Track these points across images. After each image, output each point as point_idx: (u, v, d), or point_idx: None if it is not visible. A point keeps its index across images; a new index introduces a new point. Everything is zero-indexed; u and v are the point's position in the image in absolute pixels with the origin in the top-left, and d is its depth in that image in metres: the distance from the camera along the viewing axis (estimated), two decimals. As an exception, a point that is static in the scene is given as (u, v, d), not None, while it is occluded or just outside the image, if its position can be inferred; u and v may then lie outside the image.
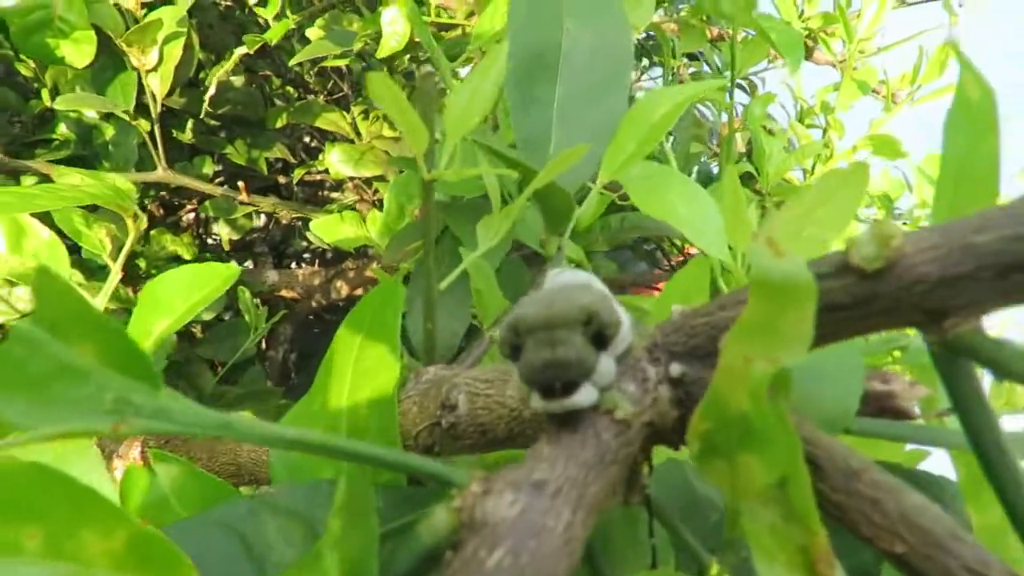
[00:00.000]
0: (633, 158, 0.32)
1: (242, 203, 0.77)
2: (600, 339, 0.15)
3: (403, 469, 0.14)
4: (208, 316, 0.72)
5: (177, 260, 0.82)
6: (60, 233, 0.36)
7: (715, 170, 0.83)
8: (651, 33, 0.80)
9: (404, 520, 0.20)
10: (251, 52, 0.67)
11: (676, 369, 0.17)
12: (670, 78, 0.73)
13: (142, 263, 0.82)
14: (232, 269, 0.35)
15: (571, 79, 0.37)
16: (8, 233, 0.34)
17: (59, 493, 0.15)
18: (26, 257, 0.35)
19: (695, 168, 0.81)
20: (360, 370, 0.28)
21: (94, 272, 0.53)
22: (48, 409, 0.12)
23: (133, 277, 0.81)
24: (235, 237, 0.87)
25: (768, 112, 0.73)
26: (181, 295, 0.35)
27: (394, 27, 0.49)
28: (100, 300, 0.37)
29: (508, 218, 0.26)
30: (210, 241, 0.92)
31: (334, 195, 1.09)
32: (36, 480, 0.14)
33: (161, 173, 0.62)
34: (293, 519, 0.21)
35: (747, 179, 0.67)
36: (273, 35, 0.66)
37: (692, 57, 0.91)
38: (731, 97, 0.69)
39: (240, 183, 0.78)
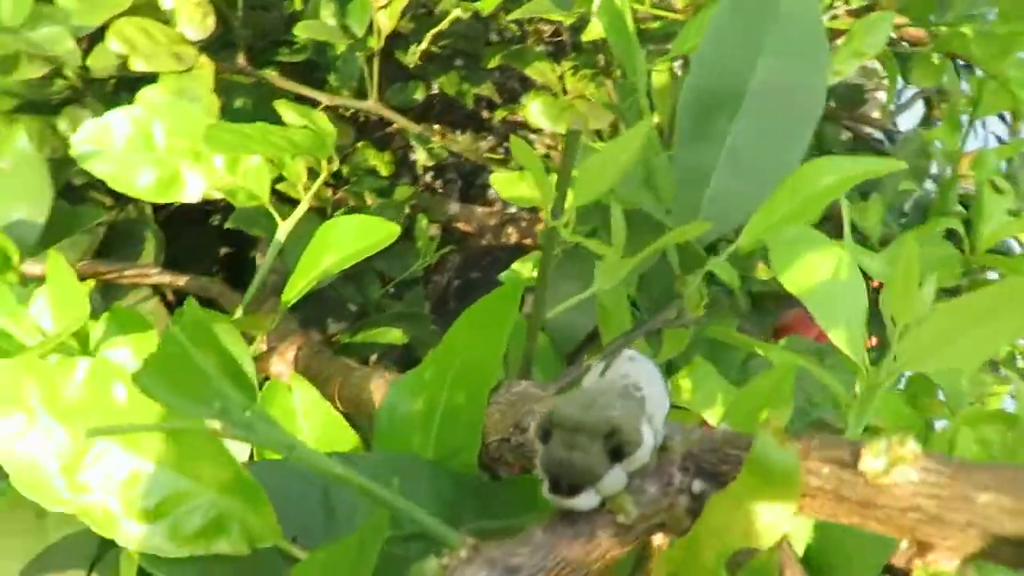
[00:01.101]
0: (777, 228, 0.32)
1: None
2: (617, 452, 0.17)
3: (415, 523, 0.17)
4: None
5: (373, 174, 0.89)
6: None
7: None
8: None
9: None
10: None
11: (698, 486, 0.18)
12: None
13: (345, 169, 0.90)
14: (393, 229, 0.39)
15: (751, 118, 0.37)
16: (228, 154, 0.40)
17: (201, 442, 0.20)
18: (238, 177, 0.42)
19: (905, 204, 0.75)
20: (466, 363, 0.31)
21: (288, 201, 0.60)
22: (184, 402, 0.16)
23: (337, 178, 0.91)
24: (430, 164, 0.93)
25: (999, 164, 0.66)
26: (349, 240, 0.40)
27: (601, 16, 0.50)
28: (285, 226, 0.43)
29: (626, 267, 0.27)
30: (409, 159, 0.99)
31: (532, 136, 1.13)
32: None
33: (371, 104, 0.69)
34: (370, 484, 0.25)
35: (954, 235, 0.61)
36: (486, 5, 0.69)
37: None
38: (963, 142, 0.63)
39: (436, 126, 0.83)
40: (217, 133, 0.34)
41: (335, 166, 0.43)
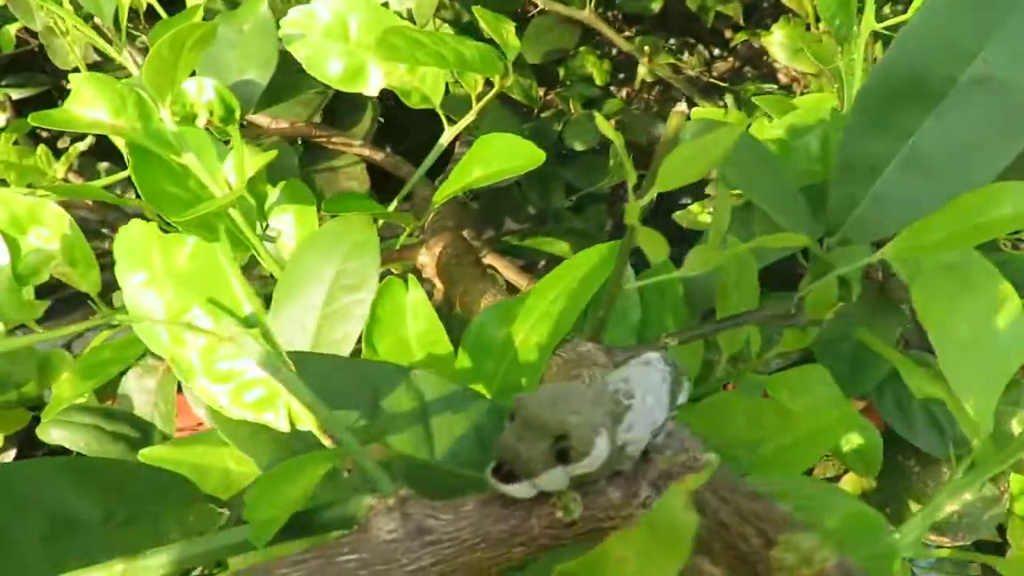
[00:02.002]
0: (934, 248, 0.28)
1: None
2: (564, 455, 0.17)
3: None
4: (580, 147, 0.79)
5: (587, 81, 0.88)
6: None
7: None
8: None
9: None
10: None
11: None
12: None
13: (562, 71, 0.90)
14: (538, 155, 0.40)
15: (950, 116, 0.32)
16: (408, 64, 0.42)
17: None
18: (415, 78, 0.44)
19: None
20: (550, 310, 0.32)
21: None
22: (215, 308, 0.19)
23: (552, 79, 0.91)
24: (649, 79, 0.90)
25: None
26: (496, 158, 0.41)
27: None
28: (450, 132, 0.45)
29: (718, 257, 0.26)
30: (622, 77, 0.96)
31: (778, 65, 1.04)
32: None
33: (586, 14, 0.67)
34: (416, 401, 0.27)
35: None
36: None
37: None
38: None
39: (646, 47, 0.79)
40: (390, 38, 0.36)
41: (509, 82, 0.44)
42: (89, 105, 0.38)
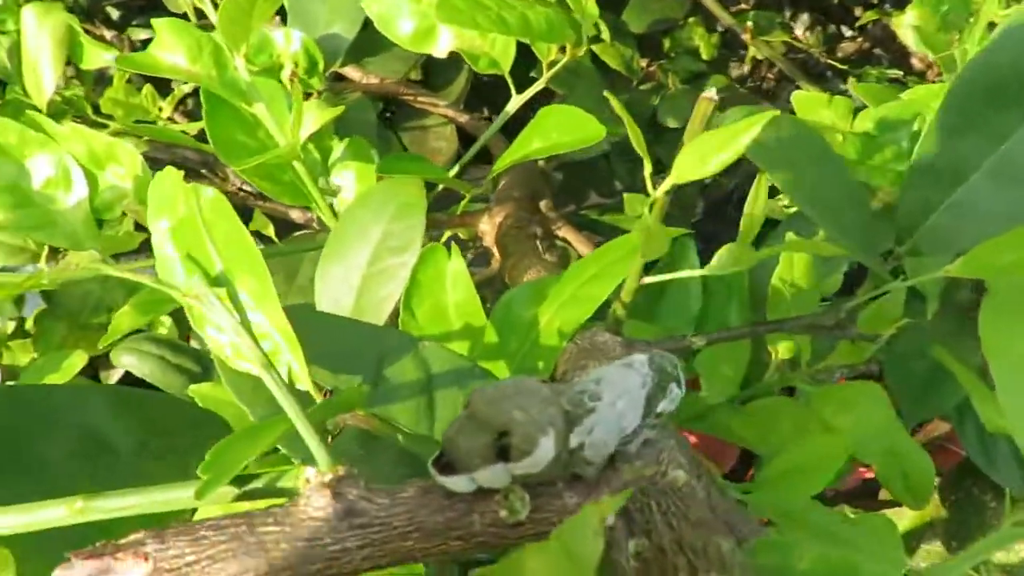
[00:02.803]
0: (1006, 271, 0.25)
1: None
2: (504, 452, 0.16)
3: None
4: (674, 124, 0.76)
5: (693, 55, 0.85)
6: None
7: None
8: None
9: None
10: None
11: (611, 520, 0.17)
12: None
13: (667, 43, 0.86)
14: (598, 130, 0.38)
15: (1057, 121, 0.28)
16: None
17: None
18: (486, 43, 0.43)
19: None
20: (575, 296, 0.31)
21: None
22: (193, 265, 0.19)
23: (656, 51, 0.87)
24: (760, 57, 0.85)
25: None
26: (555, 131, 0.40)
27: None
28: (517, 99, 0.44)
29: (750, 259, 0.24)
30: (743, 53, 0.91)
31: (913, 49, 0.96)
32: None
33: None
34: (422, 372, 0.27)
35: None
36: None
37: None
38: None
39: (749, 21, 0.74)
40: (451, 2, 0.35)
41: (582, 51, 0.42)
42: (169, 50, 0.40)
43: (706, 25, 0.85)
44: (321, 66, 0.52)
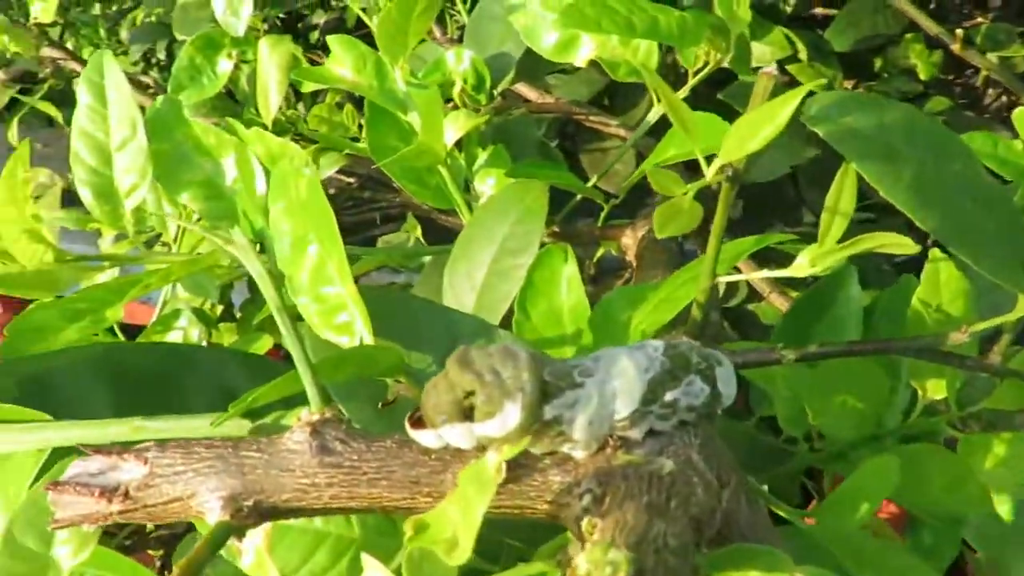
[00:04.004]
0: None
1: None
2: (469, 413, 0.16)
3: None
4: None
5: (909, 74, 0.77)
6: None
7: None
8: None
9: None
10: None
11: (587, 500, 0.17)
12: None
13: (878, 62, 0.80)
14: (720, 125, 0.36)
15: None
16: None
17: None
18: (628, 51, 0.43)
19: None
20: (668, 298, 0.29)
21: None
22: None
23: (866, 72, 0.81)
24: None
25: None
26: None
27: None
28: (657, 110, 0.43)
29: (828, 260, 0.21)
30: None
31: None
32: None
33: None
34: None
35: None
36: None
37: None
38: None
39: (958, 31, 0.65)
40: (579, 6, 0.35)
41: (726, 59, 0.40)
42: (340, 64, 0.44)
43: (927, 41, 0.76)
44: (488, 83, 0.55)
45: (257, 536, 0.17)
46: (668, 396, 0.18)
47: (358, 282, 0.27)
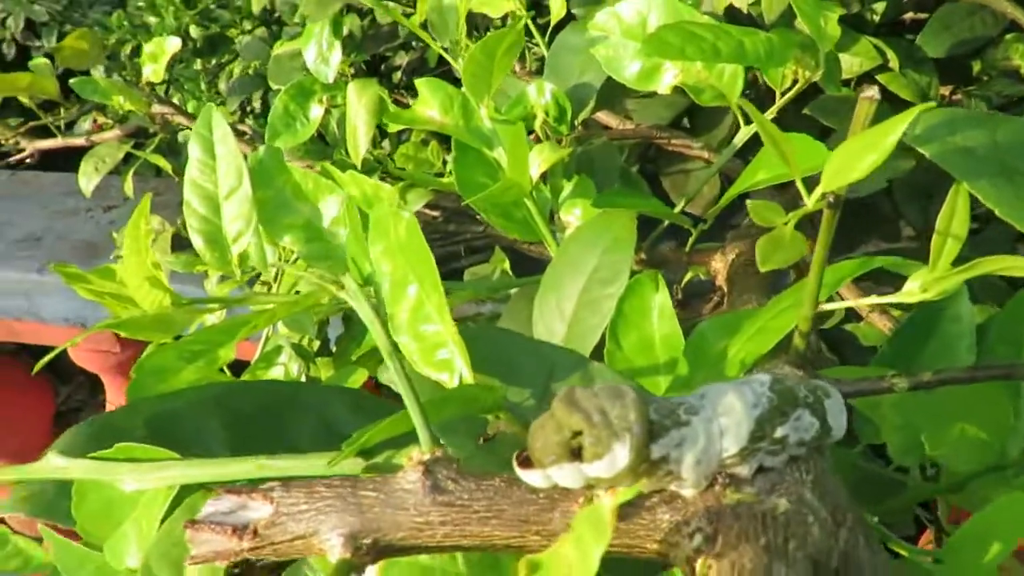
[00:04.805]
0: None
1: None
2: (577, 453, 0.16)
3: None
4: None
5: (1012, 76, 0.74)
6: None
7: None
8: None
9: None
10: None
11: (698, 541, 0.16)
12: None
13: (977, 66, 0.77)
14: (822, 156, 0.36)
15: None
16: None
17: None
18: (712, 75, 0.42)
19: None
20: (766, 327, 0.29)
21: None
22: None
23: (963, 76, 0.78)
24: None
25: None
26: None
27: None
28: (746, 131, 0.43)
29: (943, 285, 0.21)
30: None
31: None
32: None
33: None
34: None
35: None
36: None
37: None
38: None
39: None
40: (662, 35, 0.36)
41: (814, 76, 0.40)
42: (427, 105, 0.46)
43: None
44: (570, 114, 0.56)
45: (371, 572, 0.18)
46: (777, 432, 0.18)
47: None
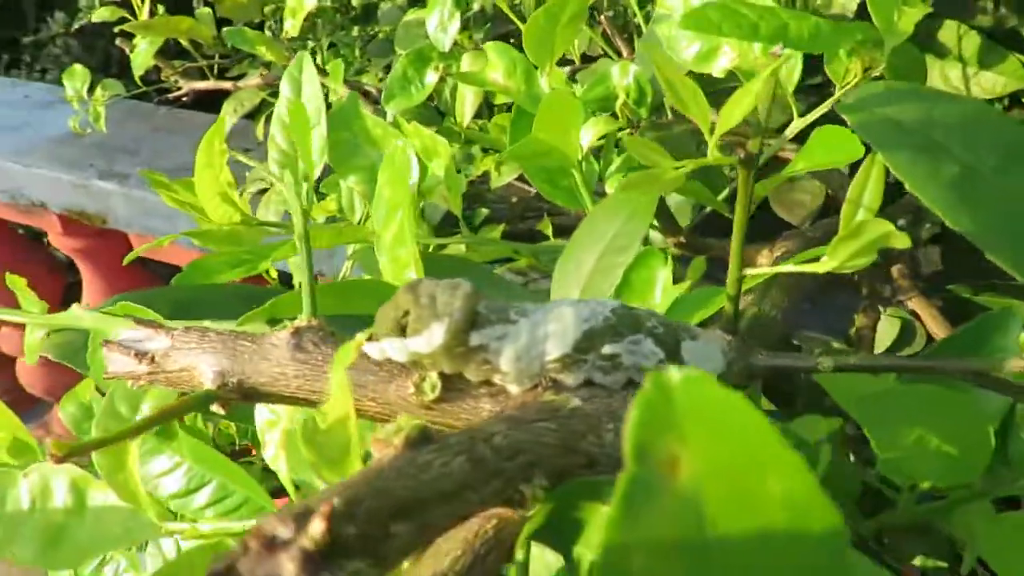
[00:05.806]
0: None
1: None
2: (404, 329, 0.18)
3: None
4: None
5: None
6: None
7: None
8: None
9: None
10: None
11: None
12: None
13: None
14: (856, 149, 0.34)
15: None
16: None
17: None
18: (770, 60, 0.41)
19: None
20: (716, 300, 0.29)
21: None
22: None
23: None
24: None
25: None
26: (821, 150, 0.37)
27: None
28: (796, 124, 0.41)
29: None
30: None
31: None
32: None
33: None
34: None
35: None
36: None
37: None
38: None
39: None
40: (703, 10, 0.35)
41: (876, 70, 0.38)
42: (494, 68, 0.48)
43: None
44: (650, 98, 0.56)
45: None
46: (606, 349, 0.18)
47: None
